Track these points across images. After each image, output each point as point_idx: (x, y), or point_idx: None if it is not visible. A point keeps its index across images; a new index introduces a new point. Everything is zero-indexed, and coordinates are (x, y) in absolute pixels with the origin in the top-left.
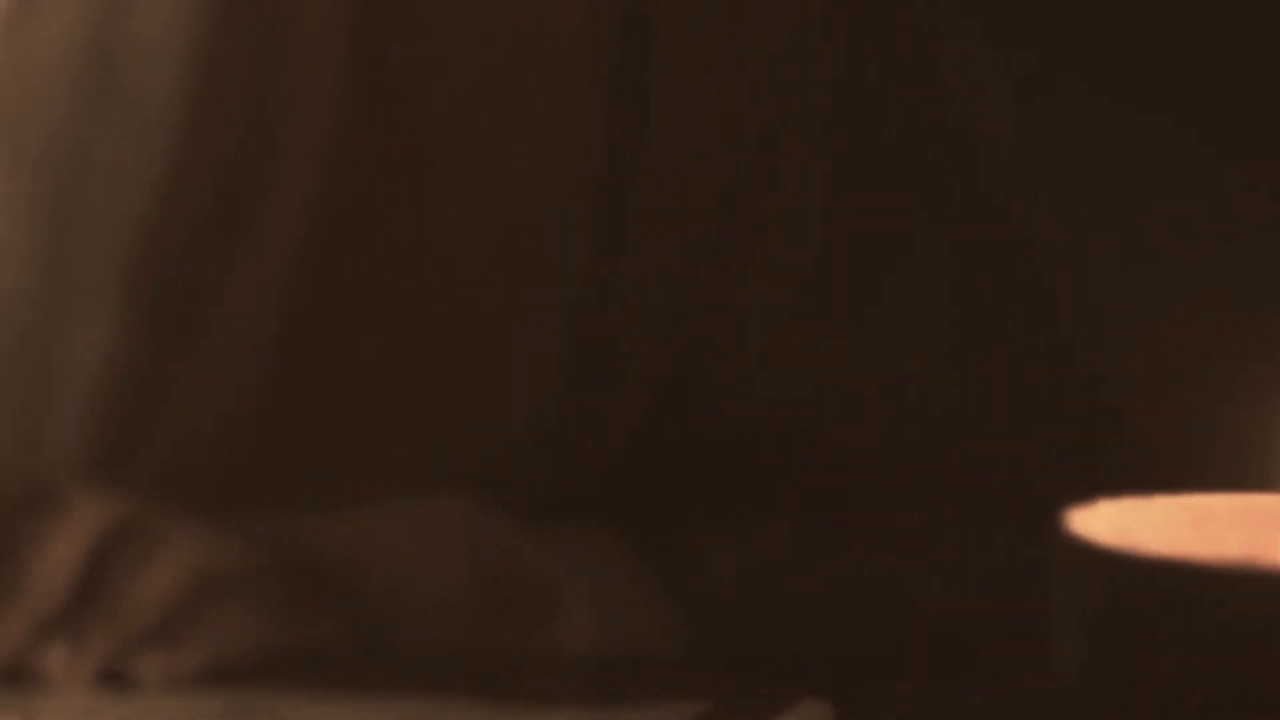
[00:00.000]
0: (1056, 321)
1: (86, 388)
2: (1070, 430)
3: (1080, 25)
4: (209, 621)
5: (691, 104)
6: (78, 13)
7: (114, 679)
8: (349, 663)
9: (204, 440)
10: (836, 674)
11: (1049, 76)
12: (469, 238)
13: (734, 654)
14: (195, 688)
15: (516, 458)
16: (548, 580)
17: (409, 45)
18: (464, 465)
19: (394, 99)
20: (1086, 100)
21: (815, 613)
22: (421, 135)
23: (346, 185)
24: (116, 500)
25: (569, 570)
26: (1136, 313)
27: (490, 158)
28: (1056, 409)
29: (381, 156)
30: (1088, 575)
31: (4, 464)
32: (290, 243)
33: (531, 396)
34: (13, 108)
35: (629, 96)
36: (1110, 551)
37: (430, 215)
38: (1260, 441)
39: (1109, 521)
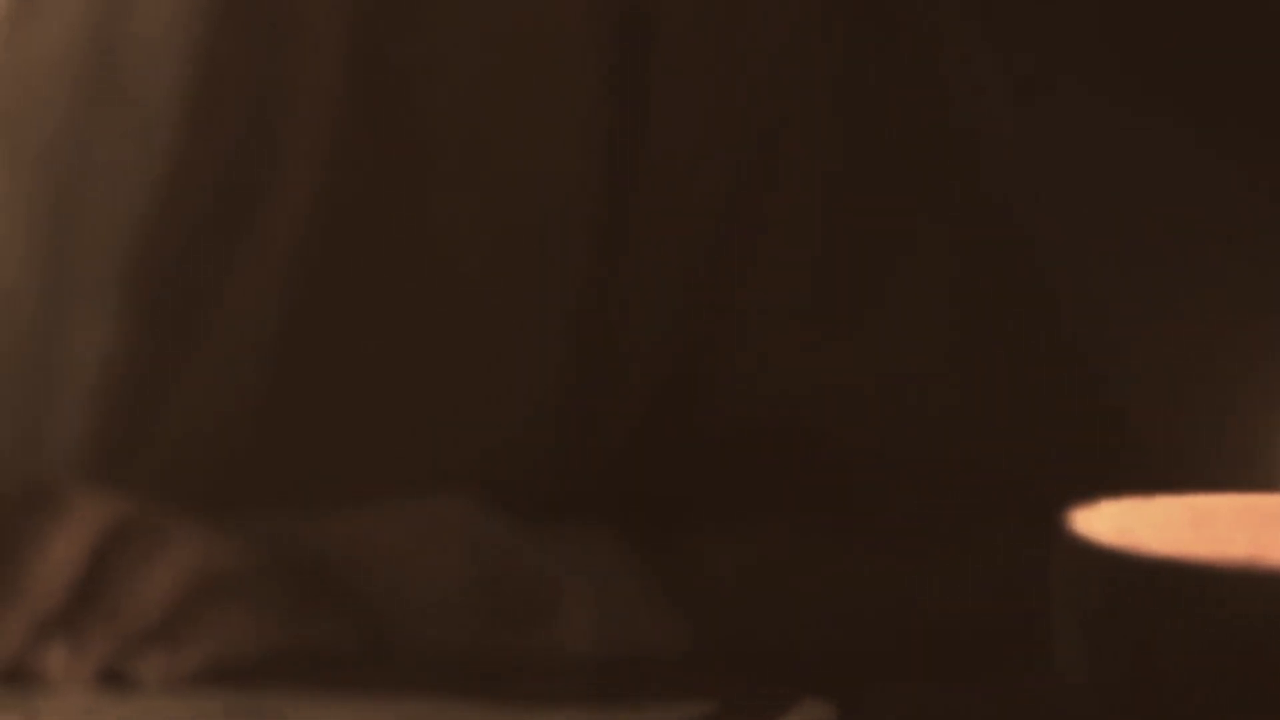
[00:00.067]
0: (1057, 321)
1: (87, 388)
2: (1071, 430)
3: (1080, 25)
4: (209, 621)
5: (691, 104)
6: (78, 12)
7: (114, 679)
8: (349, 663)
9: (204, 440)
10: (837, 674)
11: (1049, 76)
12: (469, 238)
13: (735, 654)
14: (195, 688)
15: (517, 458)
16: (548, 580)
17: (409, 45)
18: (464, 465)
19: (394, 99)
20: (1086, 100)
21: (816, 613)
22: (422, 135)
23: (347, 185)
24: (117, 500)
25: (569, 570)
26: (1137, 313)
27: (490, 158)
28: (1057, 409)
29: (382, 156)
30: (1089, 575)
31: (4, 464)
32: (290, 243)
33: (532, 396)
34: (13, 107)
35: (629, 96)
36: (1111, 551)
37: (430, 215)
38: (1262, 441)
39: (1110, 521)
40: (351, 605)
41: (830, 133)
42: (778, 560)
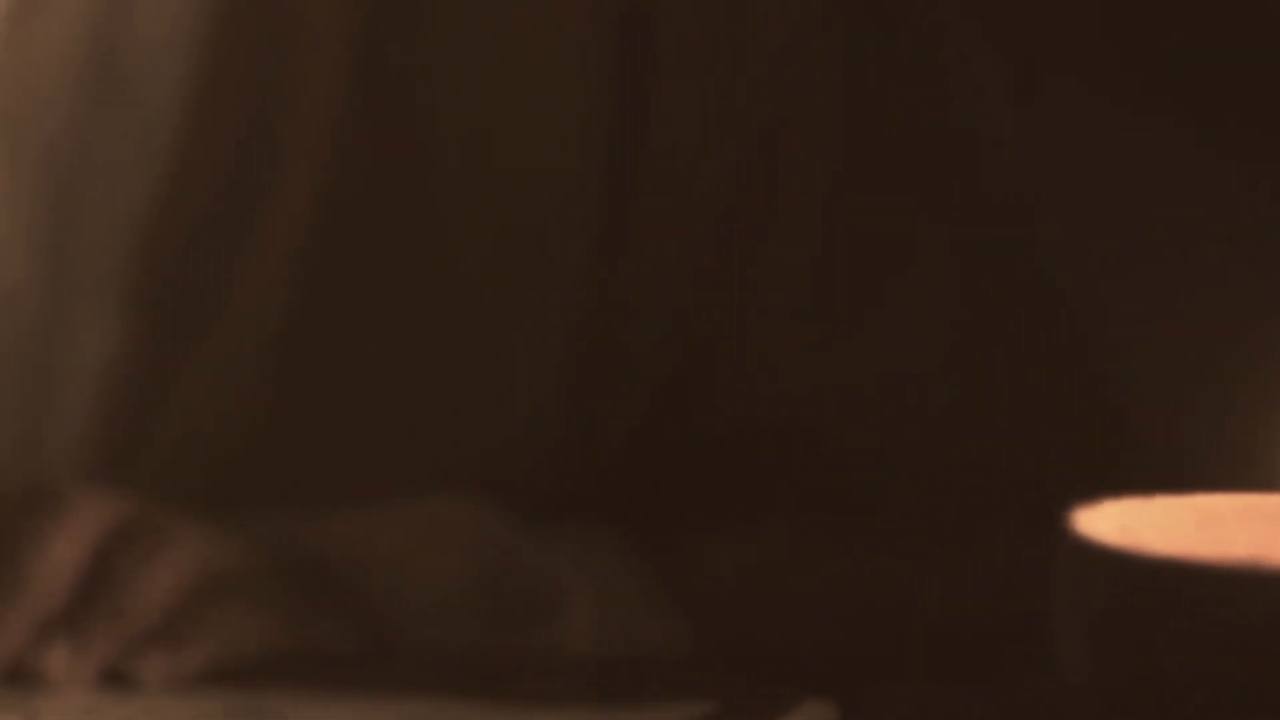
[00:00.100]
0: (1057, 321)
1: (88, 387)
2: (1072, 430)
3: (1080, 25)
4: (211, 622)
5: (692, 104)
6: (79, 12)
7: (116, 679)
8: (349, 663)
9: (205, 440)
10: (838, 674)
11: (1049, 76)
12: (471, 238)
13: (735, 654)
14: (197, 688)
15: (518, 458)
16: (549, 580)
17: (410, 45)
18: (465, 465)
19: (395, 99)
20: (1086, 100)
21: (816, 613)
22: (422, 135)
23: (348, 185)
24: (118, 500)
25: (570, 570)
26: (1138, 313)
27: (491, 158)
28: (1058, 409)
29: (383, 157)
30: (1092, 575)
31: (4, 464)
32: (292, 243)
33: (533, 396)
34: (14, 107)
35: (630, 97)
36: (1114, 551)
37: (432, 215)
38: (1264, 441)
39: (1113, 521)
40: (351, 605)
41: (830, 133)
42: (778, 560)
